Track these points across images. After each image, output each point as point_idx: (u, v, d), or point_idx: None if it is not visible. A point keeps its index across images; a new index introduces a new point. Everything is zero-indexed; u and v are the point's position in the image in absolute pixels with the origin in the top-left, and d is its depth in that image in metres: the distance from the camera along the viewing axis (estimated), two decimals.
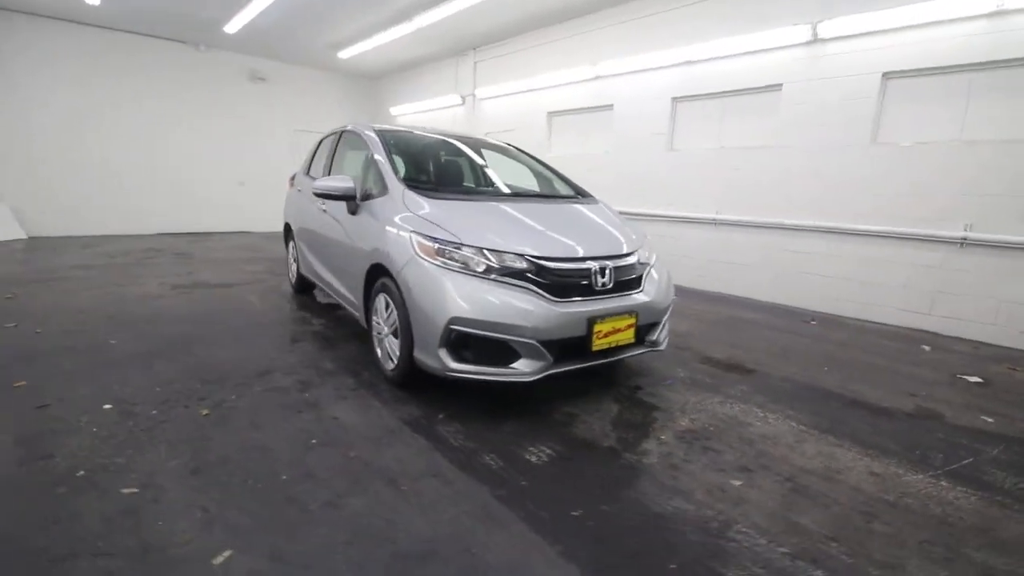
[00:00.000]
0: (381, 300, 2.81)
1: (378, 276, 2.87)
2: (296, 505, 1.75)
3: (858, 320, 4.81)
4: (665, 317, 2.90)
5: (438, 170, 3.53)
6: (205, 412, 2.39)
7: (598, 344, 2.49)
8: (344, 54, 9.12)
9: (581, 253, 2.57)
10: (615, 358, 2.66)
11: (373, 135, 3.38)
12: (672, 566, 1.56)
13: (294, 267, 4.88)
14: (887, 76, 4.58)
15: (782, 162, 5.29)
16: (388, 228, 2.74)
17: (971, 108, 4.22)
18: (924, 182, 4.43)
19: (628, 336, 2.62)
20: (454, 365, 2.35)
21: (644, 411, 2.67)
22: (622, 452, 2.23)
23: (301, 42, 8.73)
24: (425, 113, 10.04)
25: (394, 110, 10.90)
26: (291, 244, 4.93)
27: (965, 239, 4.24)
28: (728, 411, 2.71)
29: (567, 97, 7.38)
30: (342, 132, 4.01)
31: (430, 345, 2.38)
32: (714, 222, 5.90)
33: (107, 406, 2.41)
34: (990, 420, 2.75)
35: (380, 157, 3.14)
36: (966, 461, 2.30)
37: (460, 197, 2.94)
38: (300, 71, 10.42)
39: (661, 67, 6.15)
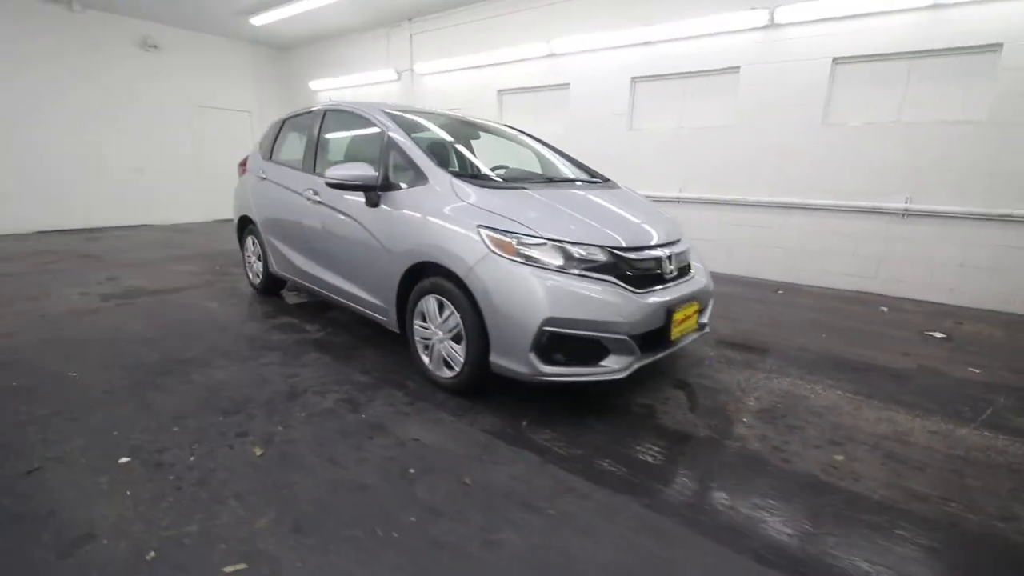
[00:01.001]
0: (431, 303, 2.53)
1: (422, 276, 2.59)
2: (450, 550, 1.52)
3: (814, 287, 5.28)
4: (712, 300, 2.95)
5: (461, 156, 3.24)
6: (259, 452, 2.01)
7: (675, 333, 2.45)
8: (258, 20, 8.06)
9: (652, 241, 2.50)
10: (681, 345, 2.65)
11: (384, 116, 3.00)
12: (855, 555, 1.58)
13: (258, 265, 4.28)
14: (837, 61, 4.98)
15: (741, 142, 5.59)
16: (437, 222, 2.46)
17: (910, 92, 4.73)
18: (871, 159, 4.92)
19: (694, 322, 2.63)
20: (546, 369, 2.19)
21: (709, 395, 2.70)
22: (722, 440, 2.24)
23: (207, 4, 7.56)
24: (354, 88, 9.25)
25: (314, 84, 9.91)
26: (251, 240, 4.31)
27: (907, 210, 4.80)
28: (778, 386, 2.83)
29: (519, 74, 7.17)
30: (325, 111, 3.52)
31: (517, 349, 2.19)
32: (677, 200, 6.12)
33: (124, 459, 1.93)
34: (977, 371, 3.14)
35: (405, 141, 2.80)
36: (988, 411, 2.61)
37: (501, 185, 2.71)
38: (200, 39, 9.05)
39: (620, 46, 6.16)
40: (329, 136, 3.49)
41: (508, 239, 2.24)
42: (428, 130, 3.19)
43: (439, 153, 2.94)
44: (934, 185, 4.66)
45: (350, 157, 3.26)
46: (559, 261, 2.23)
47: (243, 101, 9.87)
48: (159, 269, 5.29)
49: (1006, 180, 4.36)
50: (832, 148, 5.10)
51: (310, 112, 3.70)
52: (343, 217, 3.03)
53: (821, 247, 5.30)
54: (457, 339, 2.45)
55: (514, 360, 2.23)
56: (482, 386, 2.48)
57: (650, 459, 2.06)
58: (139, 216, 8.59)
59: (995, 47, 4.30)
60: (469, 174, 2.74)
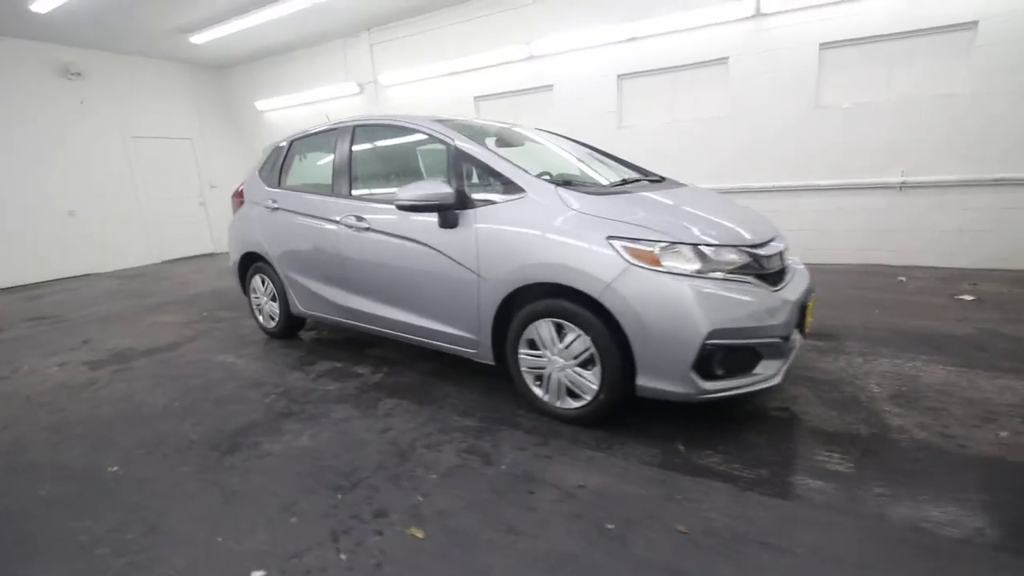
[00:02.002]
0: (546, 328, 2.26)
1: (528, 299, 2.32)
2: None
3: (827, 265, 5.43)
4: None
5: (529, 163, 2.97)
6: (419, 533, 1.67)
7: (806, 327, 2.34)
8: (199, 38, 7.34)
9: (767, 236, 2.38)
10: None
11: (444, 127, 2.69)
12: None
13: (271, 307, 3.79)
14: (824, 46, 5.15)
15: (736, 131, 5.67)
16: (552, 237, 2.20)
17: (896, 71, 4.96)
18: (865, 138, 5.12)
19: (811, 313, 2.53)
20: (707, 386, 1.99)
21: (830, 388, 2.60)
22: (887, 435, 2.13)
23: (140, 24, 6.77)
24: (310, 105, 8.64)
25: (261, 104, 9.19)
26: (260, 279, 3.81)
27: (904, 183, 5.03)
28: (883, 369, 2.79)
29: (498, 79, 6.96)
30: (354, 128, 3.14)
31: (675, 368, 1.98)
32: None
33: (257, 573, 1.53)
34: None
35: (483, 151, 2.52)
36: None
37: (602, 191, 2.50)
38: (130, 62, 8.12)
39: (604, 44, 6.10)
40: (365, 155, 3.12)
41: (647, 248, 2.03)
42: (489, 138, 2.91)
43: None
44: (927, 157, 4.91)
45: (402, 175, 2.93)
46: (696, 265, 2.04)
47: (183, 128, 8.99)
48: (136, 323, 4.61)
49: (993, 147, 4.65)
50: (827, 130, 5.27)
51: (330, 130, 3.30)
52: (407, 243, 2.69)
53: (826, 225, 5.46)
54: (584, 364, 2.20)
55: (670, 381, 2.02)
56: (617, 413, 2.25)
57: (842, 468, 1.91)
58: (79, 265, 7.56)
59: (971, 25, 4.58)
60: (562, 182, 2.49)
